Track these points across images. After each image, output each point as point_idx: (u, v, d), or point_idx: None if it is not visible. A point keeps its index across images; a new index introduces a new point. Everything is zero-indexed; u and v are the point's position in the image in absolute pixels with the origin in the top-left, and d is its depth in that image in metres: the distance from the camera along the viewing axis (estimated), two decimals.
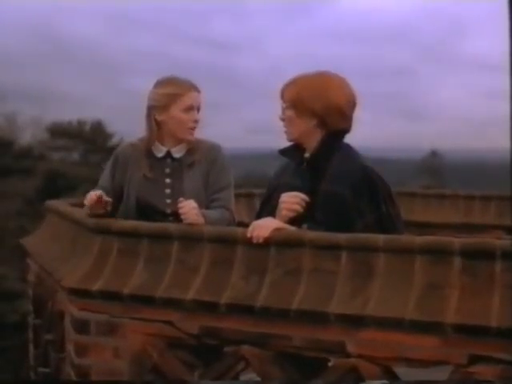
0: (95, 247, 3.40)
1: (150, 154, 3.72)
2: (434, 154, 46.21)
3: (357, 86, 3.31)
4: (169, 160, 3.70)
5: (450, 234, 6.19)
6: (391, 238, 2.88)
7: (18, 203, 22.44)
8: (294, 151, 3.31)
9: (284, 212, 3.11)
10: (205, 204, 3.55)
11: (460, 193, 6.73)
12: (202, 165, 3.66)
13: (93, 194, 3.46)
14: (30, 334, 4.88)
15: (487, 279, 2.67)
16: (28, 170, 24.36)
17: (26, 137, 28.39)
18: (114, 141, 27.99)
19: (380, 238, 2.86)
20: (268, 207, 3.31)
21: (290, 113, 3.24)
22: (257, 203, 6.61)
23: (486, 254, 2.69)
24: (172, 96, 3.64)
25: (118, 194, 3.70)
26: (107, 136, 28.09)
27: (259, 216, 3.29)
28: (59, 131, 28.03)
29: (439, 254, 2.75)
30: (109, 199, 3.50)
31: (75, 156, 27.87)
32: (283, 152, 3.36)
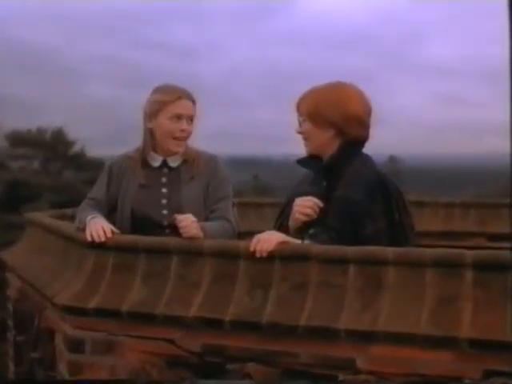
0: (89, 263, 3.28)
1: (146, 163, 3.61)
2: (392, 159, 46.62)
3: None
4: (165, 169, 3.60)
5: (431, 242, 6.16)
6: (401, 250, 2.82)
7: None
8: (311, 161, 3.30)
9: (297, 215, 3.10)
10: (204, 216, 3.46)
11: (440, 200, 6.70)
12: (202, 177, 3.57)
13: (101, 231, 3.26)
14: (11, 351, 4.73)
15: (500, 292, 2.63)
16: None
17: None
18: (76, 148, 27.66)
19: (389, 251, 2.79)
20: (283, 216, 3.30)
21: (307, 125, 3.23)
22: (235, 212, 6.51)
23: (498, 266, 2.64)
24: (161, 103, 3.52)
25: (111, 206, 3.58)
26: (68, 144, 27.69)
27: (281, 226, 3.28)
28: (19, 139, 27.56)
29: (451, 266, 2.70)
30: (116, 230, 3.35)
31: (36, 164, 27.43)
32: (301, 162, 3.34)
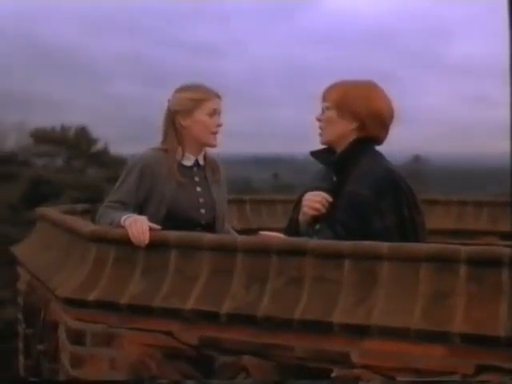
0: (91, 256, 3.32)
1: (178, 163, 3.61)
2: (416, 158, 46.35)
3: None
4: (195, 168, 3.66)
5: (442, 240, 6.14)
6: (395, 245, 2.82)
7: (2, 210, 22.21)
8: (324, 154, 3.31)
9: (305, 209, 3.15)
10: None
11: (452, 198, 6.67)
12: (222, 178, 3.74)
13: (140, 229, 3.19)
14: (21, 344, 4.79)
15: (494, 287, 2.62)
16: (12, 176, 24.11)
17: (10, 143, 28.17)
18: (99, 146, 27.82)
19: (384, 246, 2.80)
20: (296, 210, 3.34)
21: (331, 113, 3.24)
22: (248, 209, 6.55)
23: (492, 262, 2.64)
24: (197, 101, 3.59)
25: (138, 207, 3.52)
26: (91, 141, 27.87)
27: (291, 220, 3.35)
28: (43, 137, 27.77)
29: (445, 262, 2.70)
30: (157, 227, 3.27)
31: (59, 162, 27.62)
32: (314, 154, 3.35)
